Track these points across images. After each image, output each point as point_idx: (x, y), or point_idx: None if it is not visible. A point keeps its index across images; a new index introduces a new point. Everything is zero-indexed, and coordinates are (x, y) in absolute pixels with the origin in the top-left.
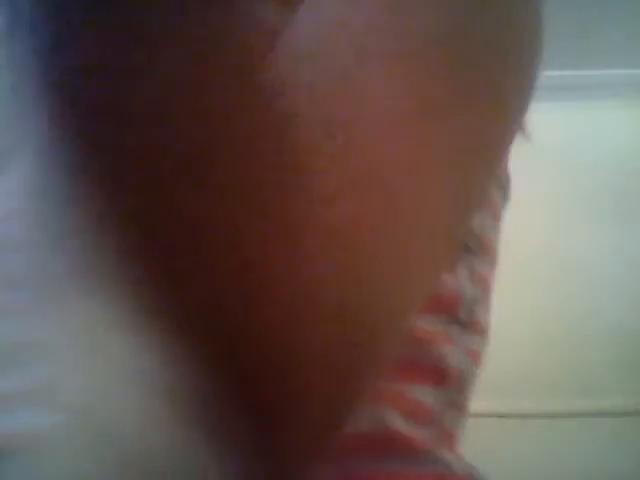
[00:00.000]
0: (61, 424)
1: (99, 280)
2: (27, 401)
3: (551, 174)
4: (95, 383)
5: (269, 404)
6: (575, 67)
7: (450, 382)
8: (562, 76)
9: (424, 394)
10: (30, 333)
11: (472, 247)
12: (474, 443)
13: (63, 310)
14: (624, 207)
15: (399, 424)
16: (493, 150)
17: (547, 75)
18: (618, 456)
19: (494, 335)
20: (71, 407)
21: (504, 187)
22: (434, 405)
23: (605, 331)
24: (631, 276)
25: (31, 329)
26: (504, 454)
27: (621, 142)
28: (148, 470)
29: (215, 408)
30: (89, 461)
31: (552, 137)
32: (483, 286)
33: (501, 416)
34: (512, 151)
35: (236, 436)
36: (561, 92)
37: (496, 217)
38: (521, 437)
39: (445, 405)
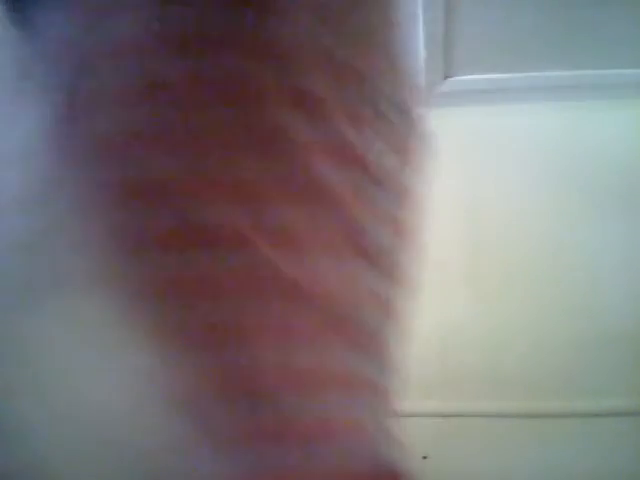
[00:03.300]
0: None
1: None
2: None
3: (551, 173)
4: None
5: None
6: (575, 67)
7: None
8: (562, 76)
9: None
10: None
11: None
12: (474, 443)
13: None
14: (625, 206)
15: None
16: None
17: (547, 75)
18: (618, 456)
19: (494, 336)
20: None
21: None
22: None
23: (605, 331)
24: (631, 277)
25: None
26: (504, 454)
27: (621, 141)
28: (148, 472)
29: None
30: (91, 463)
31: (552, 137)
32: (396, 228)
33: (501, 416)
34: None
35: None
36: (561, 92)
37: (399, 151)
38: (521, 437)
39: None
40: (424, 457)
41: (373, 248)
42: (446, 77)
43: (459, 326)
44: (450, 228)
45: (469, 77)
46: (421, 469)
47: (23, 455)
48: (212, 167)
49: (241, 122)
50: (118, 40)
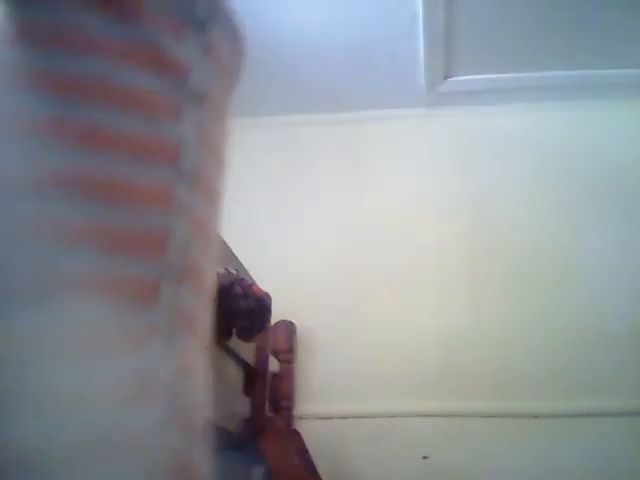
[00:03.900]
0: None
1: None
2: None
3: (551, 173)
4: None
5: None
6: (575, 67)
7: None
8: (562, 76)
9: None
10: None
11: (198, 96)
12: (474, 443)
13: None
14: (625, 206)
15: None
16: None
17: (547, 75)
18: (618, 456)
19: (494, 336)
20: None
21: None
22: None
23: (605, 331)
24: (631, 277)
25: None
26: (504, 454)
27: (621, 141)
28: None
29: None
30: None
31: (552, 137)
32: (209, 143)
33: (501, 416)
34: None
35: None
36: (561, 92)
37: (226, 76)
38: (521, 437)
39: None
40: (424, 457)
41: (187, 161)
42: (446, 77)
43: (459, 326)
44: (450, 228)
45: (469, 77)
46: (421, 469)
47: (22, 455)
48: None
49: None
50: None
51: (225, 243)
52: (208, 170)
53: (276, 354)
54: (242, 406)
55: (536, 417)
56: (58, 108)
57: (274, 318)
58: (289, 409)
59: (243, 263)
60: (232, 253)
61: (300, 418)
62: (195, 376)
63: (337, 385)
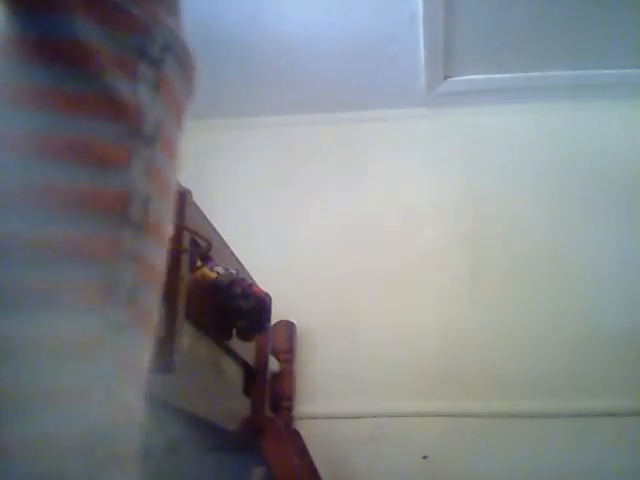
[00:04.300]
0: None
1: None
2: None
3: (551, 173)
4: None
5: None
6: (575, 67)
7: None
8: (562, 76)
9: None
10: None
11: (149, 137)
12: (474, 443)
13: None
14: (625, 206)
15: None
16: None
17: (547, 75)
18: (618, 456)
19: (494, 336)
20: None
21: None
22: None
23: (605, 331)
24: (631, 277)
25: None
26: (504, 454)
27: (621, 141)
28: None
29: None
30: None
31: (552, 136)
32: (160, 182)
33: (501, 416)
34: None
35: None
36: (561, 92)
37: (177, 110)
38: (521, 437)
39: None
40: (424, 457)
41: (135, 211)
42: (446, 77)
43: (459, 326)
44: (450, 228)
45: (469, 77)
46: (421, 469)
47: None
48: None
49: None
50: None
51: (225, 243)
52: (162, 216)
53: (276, 354)
54: (242, 406)
55: (535, 417)
56: (14, 168)
57: (274, 318)
58: (289, 409)
59: (243, 263)
60: (232, 253)
61: (300, 418)
62: (151, 330)
63: (337, 385)
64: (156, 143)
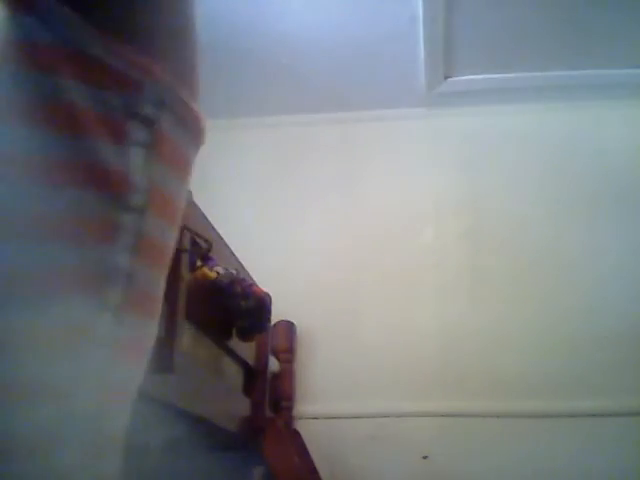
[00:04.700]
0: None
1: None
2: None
3: (551, 173)
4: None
5: None
6: (575, 67)
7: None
8: (562, 76)
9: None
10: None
11: (137, 207)
12: (474, 443)
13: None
14: (625, 206)
15: None
16: None
17: (547, 75)
18: (618, 456)
19: (494, 336)
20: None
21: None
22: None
23: (605, 331)
24: (631, 277)
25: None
26: (504, 454)
27: (621, 141)
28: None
29: None
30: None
31: (552, 136)
32: (152, 252)
33: (501, 416)
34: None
35: None
36: (561, 92)
37: (179, 165)
38: (521, 437)
39: None
40: (424, 457)
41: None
42: (446, 77)
43: (459, 326)
44: (450, 228)
45: (469, 77)
46: (421, 469)
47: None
48: None
49: None
50: None
51: (225, 243)
52: (151, 288)
53: (276, 354)
54: (242, 406)
55: (535, 417)
56: None
57: (274, 318)
58: (289, 409)
59: (243, 263)
60: (232, 253)
61: (300, 418)
62: (155, 318)
63: (337, 385)
64: (146, 211)
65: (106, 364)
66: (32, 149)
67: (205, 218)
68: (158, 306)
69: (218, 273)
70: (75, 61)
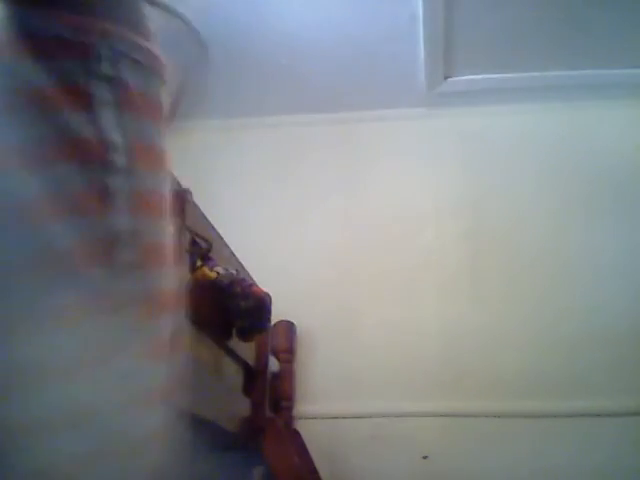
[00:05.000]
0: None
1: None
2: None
3: (551, 173)
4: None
5: None
6: (575, 67)
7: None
8: (562, 76)
9: None
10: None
11: (123, 167)
12: (474, 443)
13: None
14: (624, 206)
15: None
16: None
17: (547, 75)
18: (618, 456)
19: (494, 336)
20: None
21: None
22: None
23: (605, 331)
24: (631, 277)
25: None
26: (504, 454)
27: (620, 141)
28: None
29: None
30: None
31: (552, 136)
32: (147, 203)
33: (501, 416)
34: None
35: None
36: (561, 92)
37: (153, 110)
38: (521, 437)
39: None
40: (424, 457)
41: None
42: (446, 77)
43: (459, 326)
44: (450, 228)
45: (469, 77)
46: (421, 469)
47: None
48: None
49: None
50: None
51: (225, 243)
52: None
53: (276, 354)
54: (242, 406)
55: (535, 417)
56: None
57: (274, 318)
58: (289, 409)
59: (243, 263)
60: (232, 253)
61: (300, 418)
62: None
63: (337, 385)
64: (132, 168)
65: (111, 342)
66: (10, 138)
67: (205, 218)
68: (169, 254)
69: (218, 273)
70: (27, 42)
